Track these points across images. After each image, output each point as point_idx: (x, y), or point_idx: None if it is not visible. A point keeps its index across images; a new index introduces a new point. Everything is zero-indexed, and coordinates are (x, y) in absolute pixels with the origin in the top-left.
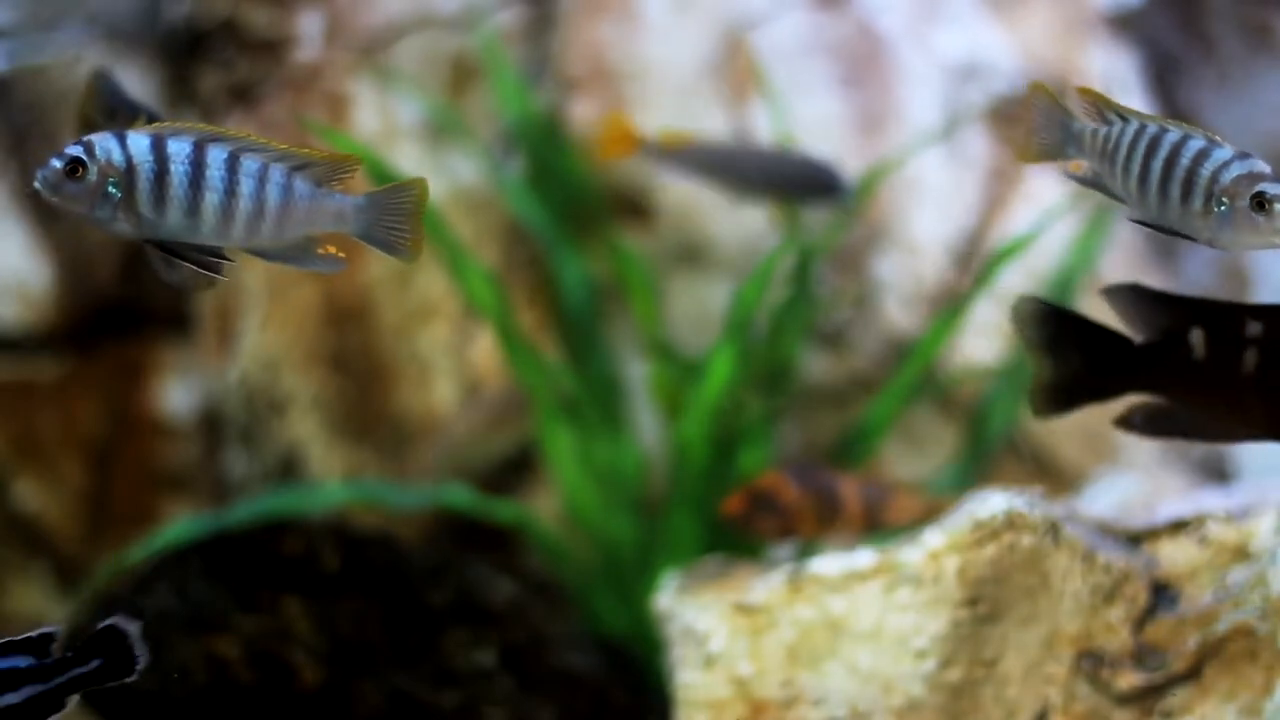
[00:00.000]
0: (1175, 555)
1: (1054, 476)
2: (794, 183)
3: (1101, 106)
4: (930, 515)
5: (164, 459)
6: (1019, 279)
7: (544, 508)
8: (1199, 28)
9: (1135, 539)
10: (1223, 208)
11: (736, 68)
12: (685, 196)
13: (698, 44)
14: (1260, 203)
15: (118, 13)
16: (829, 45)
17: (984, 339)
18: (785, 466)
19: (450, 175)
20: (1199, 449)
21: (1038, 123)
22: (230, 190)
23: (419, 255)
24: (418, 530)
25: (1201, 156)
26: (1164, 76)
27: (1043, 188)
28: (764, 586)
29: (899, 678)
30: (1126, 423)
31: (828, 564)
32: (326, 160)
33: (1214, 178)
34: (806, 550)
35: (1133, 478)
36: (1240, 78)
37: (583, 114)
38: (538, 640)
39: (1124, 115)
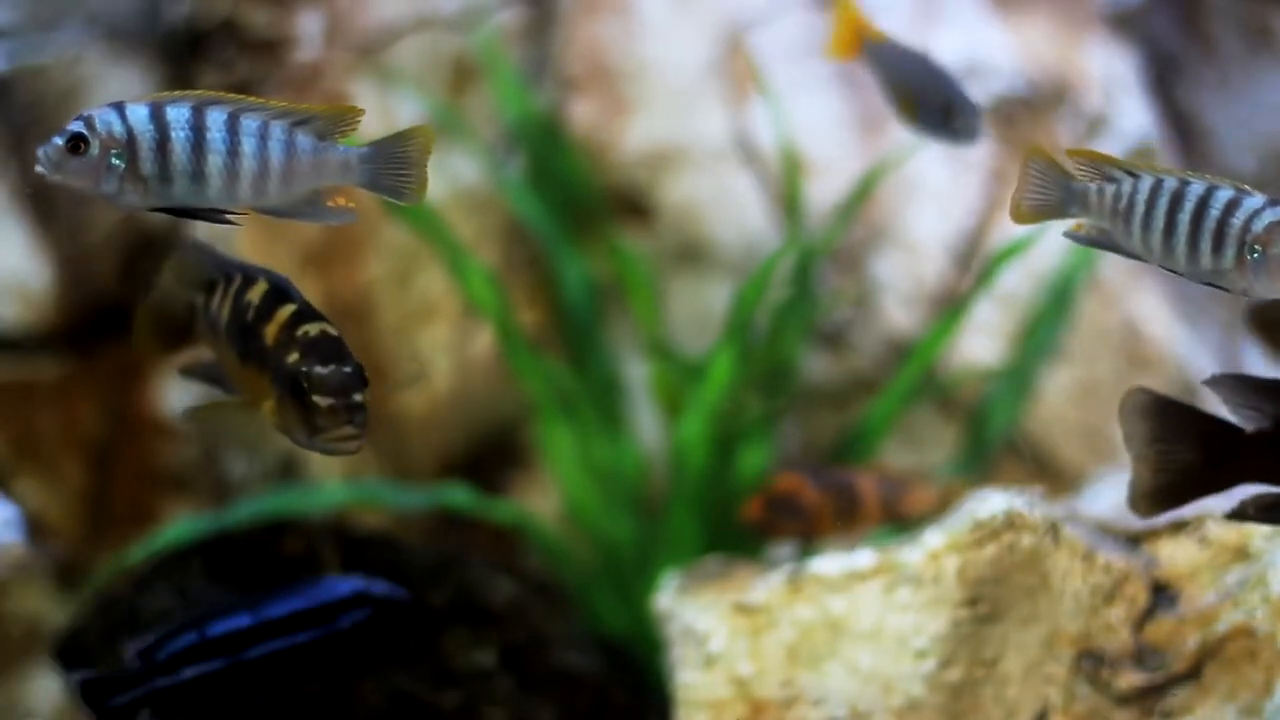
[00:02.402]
0: (1175, 555)
1: (1054, 476)
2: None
3: (1104, 165)
4: (947, 503)
5: (164, 459)
6: (1019, 279)
7: (544, 508)
8: (1199, 28)
9: (1135, 539)
10: (1256, 256)
11: (736, 68)
12: (685, 196)
13: (697, 44)
14: None
15: (118, 13)
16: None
17: (984, 339)
18: (799, 467)
19: (450, 175)
20: None
21: (1034, 183)
22: (233, 151)
23: (423, 198)
24: (418, 530)
25: (1232, 206)
26: (1164, 77)
27: None
28: (764, 586)
29: (899, 678)
30: (1240, 514)
31: (828, 564)
32: (327, 114)
33: (1246, 226)
34: (808, 550)
35: None
36: (1240, 78)
37: (583, 114)
38: (538, 640)
39: (1132, 171)
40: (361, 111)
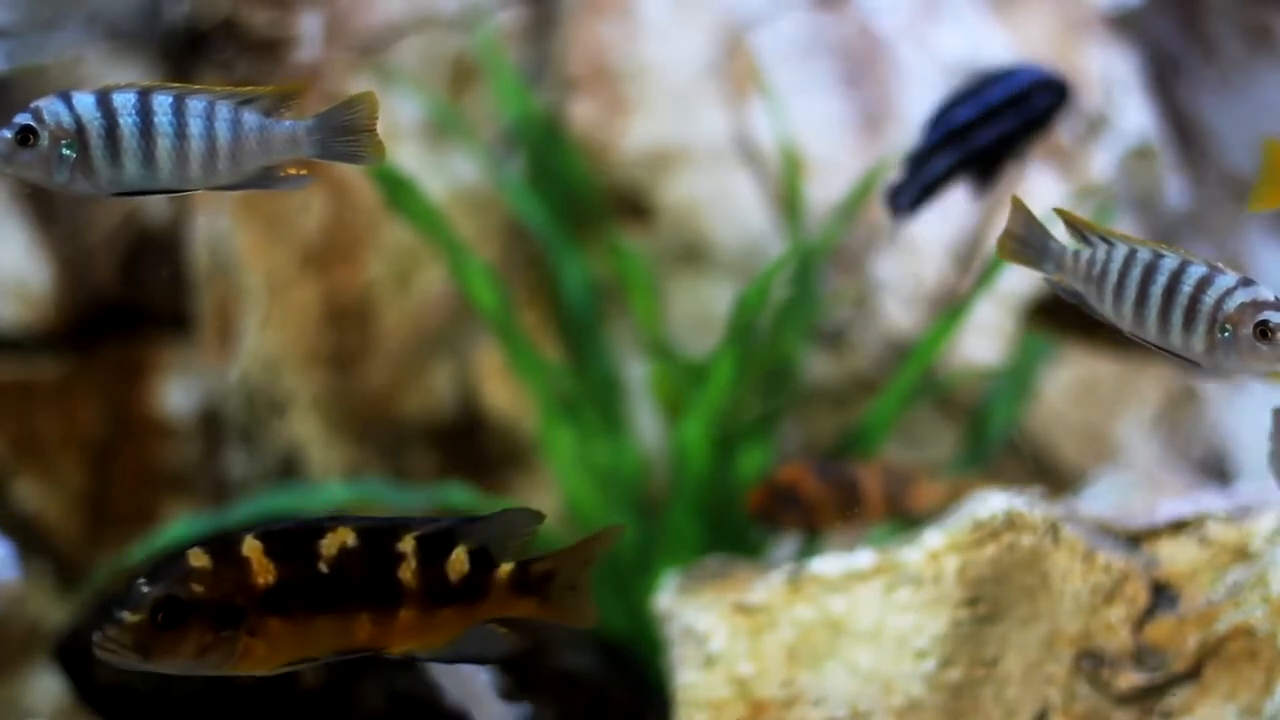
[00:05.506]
0: (1175, 555)
1: (1054, 476)
2: None
3: (1083, 229)
4: (956, 498)
5: (164, 459)
6: (1019, 279)
7: (544, 508)
8: (1199, 28)
9: (1135, 539)
10: (1226, 334)
11: (736, 68)
12: (685, 196)
13: (697, 44)
14: (1264, 331)
15: (118, 13)
16: (829, 45)
17: (984, 339)
18: (805, 459)
19: (450, 175)
20: (1199, 449)
21: (1015, 233)
22: (181, 132)
23: (383, 158)
24: None
25: (1204, 284)
26: (1164, 77)
27: (1043, 188)
28: (764, 586)
29: (899, 678)
30: None
31: (828, 564)
32: (273, 91)
33: (1218, 305)
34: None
35: (1133, 478)
36: (1240, 79)
37: (583, 114)
38: (538, 640)
39: (1108, 239)
40: (306, 87)
